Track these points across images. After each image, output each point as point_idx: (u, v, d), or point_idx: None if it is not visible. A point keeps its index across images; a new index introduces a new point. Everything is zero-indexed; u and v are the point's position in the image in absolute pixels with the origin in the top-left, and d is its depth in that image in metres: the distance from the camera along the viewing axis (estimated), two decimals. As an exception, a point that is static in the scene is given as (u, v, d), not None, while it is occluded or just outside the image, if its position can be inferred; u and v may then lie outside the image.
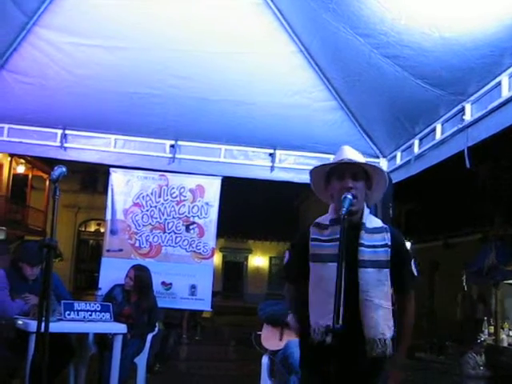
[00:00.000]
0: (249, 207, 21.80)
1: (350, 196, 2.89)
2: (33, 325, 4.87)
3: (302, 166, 6.60)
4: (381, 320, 2.96)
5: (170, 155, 6.63)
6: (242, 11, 5.49)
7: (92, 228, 30.93)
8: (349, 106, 6.09)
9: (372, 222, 3.10)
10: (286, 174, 6.76)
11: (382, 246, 3.01)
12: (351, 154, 3.10)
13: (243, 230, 26.45)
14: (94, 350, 6.03)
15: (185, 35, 5.62)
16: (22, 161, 25.56)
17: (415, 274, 3.14)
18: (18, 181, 26.88)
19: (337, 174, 3.03)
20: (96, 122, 6.53)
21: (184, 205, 7.03)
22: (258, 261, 33.00)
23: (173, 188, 7.06)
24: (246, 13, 5.52)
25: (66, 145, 6.61)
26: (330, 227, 3.02)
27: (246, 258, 33.26)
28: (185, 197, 7.04)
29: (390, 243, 3.03)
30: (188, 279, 6.96)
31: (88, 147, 6.68)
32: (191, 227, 7.00)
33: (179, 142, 6.62)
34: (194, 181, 7.06)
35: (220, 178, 7.04)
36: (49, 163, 24.84)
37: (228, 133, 6.55)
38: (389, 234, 3.05)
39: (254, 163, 6.75)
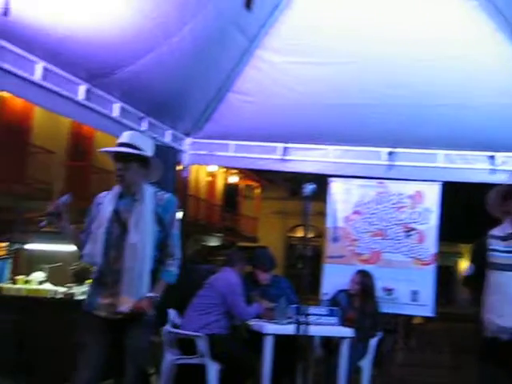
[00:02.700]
0: (460, 210, 20.94)
1: None
2: (266, 327, 5.25)
3: (525, 168, 6.35)
4: None
5: (387, 162, 6.77)
6: (456, 15, 5.44)
7: (299, 233, 31.74)
8: None
9: None
10: (506, 176, 6.52)
11: None
12: None
13: (453, 233, 25.41)
14: (318, 353, 6.26)
15: (399, 46, 5.71)
16: (234, 171, 26.99)
17: None
18: (230, 190, 28.54)
19: None
20: (314, 134, 6.85)
21: (403, 211, 7.02)
22: (469, 265, 31.61)
23: (391, 195, 7.08)
24: (460, 16, 5.46)
25: (285, 157, 7.02)
26: (507, 240, 3.51)
27: (456, 262, 32.02)
28: (404, 203, 7.02)
29: None
30: (409, 285, 6.95)
31: (306, 159, 7.04)
32: (410, 233, 7.01)
33: (396, 150, 6.74)
34: (413, 187, 7.01)
35: (439, 183, 6.94)
36: (258, 173, 26.06)
37: (446, 137, 6.51)
38: None
39: (474, 167, 6.64)
